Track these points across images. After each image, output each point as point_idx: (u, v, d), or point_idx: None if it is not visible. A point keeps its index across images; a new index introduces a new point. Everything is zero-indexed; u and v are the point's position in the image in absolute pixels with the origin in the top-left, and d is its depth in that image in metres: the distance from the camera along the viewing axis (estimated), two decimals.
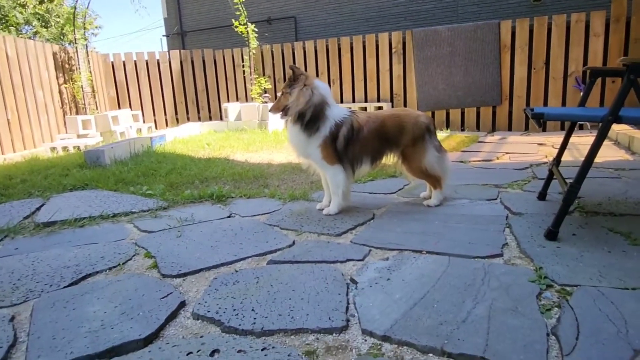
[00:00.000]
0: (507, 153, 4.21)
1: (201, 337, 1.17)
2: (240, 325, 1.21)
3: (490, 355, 1.04)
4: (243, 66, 7.88)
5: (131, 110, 8.35)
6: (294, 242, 1.91)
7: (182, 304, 1.37)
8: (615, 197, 2.37)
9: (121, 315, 1.30)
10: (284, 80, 7.65)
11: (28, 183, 3.47)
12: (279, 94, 2.34)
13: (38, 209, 2.74)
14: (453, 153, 4.38)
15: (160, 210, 2.62)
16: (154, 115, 8.55)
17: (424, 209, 2.36)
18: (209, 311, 1.30)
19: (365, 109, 7.01)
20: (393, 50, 6.85)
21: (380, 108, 6.88)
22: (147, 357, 1.08)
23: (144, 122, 8.27)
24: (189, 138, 6.45)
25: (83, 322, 1.27)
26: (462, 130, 6.60)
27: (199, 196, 2.85)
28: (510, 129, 6.34)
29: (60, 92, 6.73)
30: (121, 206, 2.68)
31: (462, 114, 6.60)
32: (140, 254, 1.88)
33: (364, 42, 7.06)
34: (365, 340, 1.14)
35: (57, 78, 6.71)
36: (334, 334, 1.17)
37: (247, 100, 8.17)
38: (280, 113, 2.31)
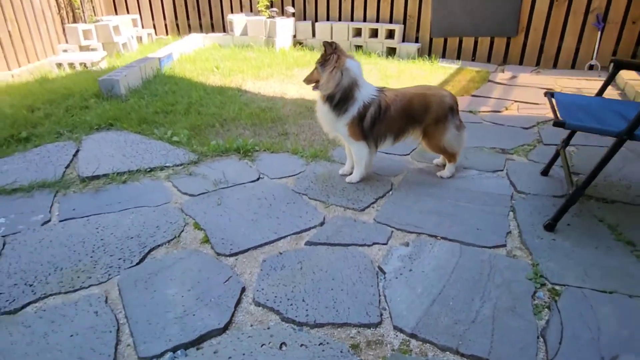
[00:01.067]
0: (515, 101, 4.32)
1: (268, 328, 1.49)
2: (296, 316, 1.53)
3: (494, 358, 1.37)
4: None
5: (128, 13, 7.93)
6: (324, 220, 2.17)
7: (243, 290, 1.67)
8: (610, 177, 2.61)
9: (196, 300, 1.60)
10: None
11: (53, 118, 3.56)
12: (312, 68, 2.41)
13: (75, 155, 2.91)
14: (464, 98, 4.47)
15: (191, 165, 2.81)
16: (153, 19, 8.14)
17: (438, 182, 2.59)
18: (267, 300, 1.61)
19: (376, 31, 6.78)
20: None
21: (392, 31, 6.66)
22: (231, 347, 1.40)
23: (142, 27, 7.91)
24: (195, 55, 6.30)
25: (167, 306, 1.57)
26: (473, 59, 6.51)
27: (225, 149, 3.01)
28: (521, 62, 6.28)
29: None
30: (154, 157, 2.86)
31: (475, 43, 6.45)
32: (190, 224, 2.14)
33: None
34: (397, 336, 1.47)
35: None
36: (372, 329, 1.49)
37: (251, 11, 7.76)
38: (313, 85, 2.39)
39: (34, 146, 3.06)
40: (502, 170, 2.74)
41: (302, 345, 1.41)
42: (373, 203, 2.34)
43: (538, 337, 1.46)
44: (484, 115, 3.91)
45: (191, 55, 6.33)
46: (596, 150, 2.96)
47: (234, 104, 4.09)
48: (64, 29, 6.46)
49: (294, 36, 7.26)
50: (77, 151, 2.98)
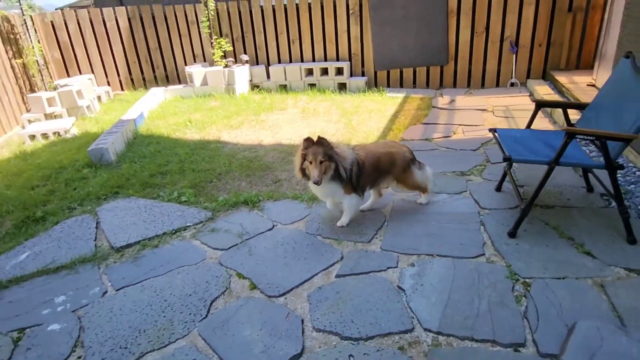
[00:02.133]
0: (459, 125, 5.11)
1: (334, 346, 1.97)
2: (351, 334, 2.02)
3: (497, 338, 1.94)
4: (198, 24, 7.79)
5: (80, 73, 8.07)
6: (342, 255, 2.68)
7: (302, 321, 2.14)
8: (546, 187, 3.34)
9: (270, 336, 2.05)
10: (242, 40, 7.76)
11: (57, 194, 3.80)
12: (310, 163, 2.67)
13: (97, 227, 3.21)
14: (417, 126, 5.20)
15: (209, 222, 3.21)
16: (106, 76, 8.32)
17: (419, 208, 3.19)
18: (324, 325, 2.08)
19: (326, 69, 7.47)
20: (350, 11, 7.20)
21: (340, 68, 7.38)
22: None
23: (97, 85, 8.07)
24: (162, 110, 6.63)
25: (249, 345, 2.00)
26: (414, 86, 7.38)
27: (234, 203, 3.44)
28: (455, 85, 7.22)
29: (12, 67, 6.41)
30: (173, 219, 3.23)
31: (414, 72, 7.33)
32: (233, 275, 2.56)
33: (321, 2, 7.30)
34: (427, 336, 2.00)
35: (7, 52, 6.34)
36: (408, 334, 2.02)
37: (204, 60, 8.20)
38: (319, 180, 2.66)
39: (52, 224, 3.31)
40: (465, 191, 3.40)
41: (364, 354, 1.90)
42: (375, 235, 2.89)
43: (522, 319, 2.06)
44: (437, 141, 4.64)
45: (158, 110, 6.65)
46: (533, 166, 3.72)
47: (220, 156, 4.52)
48: (23, 99, 6.53)
49: (250, 80, 7.77)
50: (98, 223, 3.27)
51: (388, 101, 6.50)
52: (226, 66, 7.41)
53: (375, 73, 7.50)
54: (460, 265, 2.48)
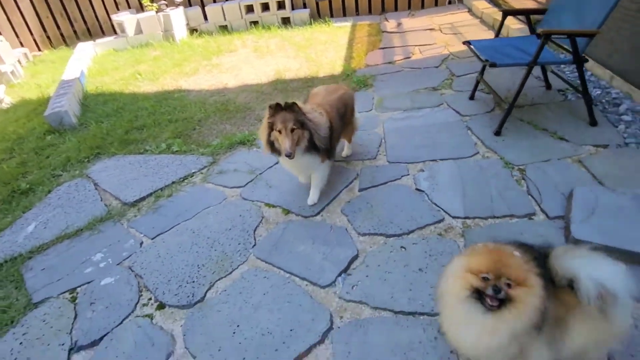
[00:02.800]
0: (415, 46, 5.35)
1: (384, 243, 2.24)
2: (395, 232, 2.30)
3: (514, 212, 2.33)
4: None
5: None
6: (357, 173, 2.90)
7: (346, 230, 2.38)
8: (511, 89, 3.75)
9: (324, 246, 2.27)
10: None
11: (31, 165, 3.57)
12: (279, 133, 2.23)
13: (96, 189, 3.13)
14: (376, 52, 5.36)
15: (213, 165, 3.25)
16: (18, 37, 7.38)
17: (409, 123, 3.46)
18: (368, 230, 2.34)
19: (266, 4, 7.21)
20: None
21: (281, 2, 7.17)
22: (365, 266, 2.13)
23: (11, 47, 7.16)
24: (100, 66, 6.13)
25: (309, 256, 2.21)
26: (357, 14, 7.42)
27: (230, 145, 3.48)
28: (396, 9, 7.37)
29: None
30: (176, 169, 3.22)
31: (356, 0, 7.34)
32: (262, 205, 2.69)
33: None
34: (457, 222, 2.34)
35: None
36: (441, 223, 2.34)
37: (129, 6, 7.53)
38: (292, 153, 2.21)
39: (45, 193, 3.16)
40: (443, 104, 3.71)
41: (413, 244, 2.20)
42: (378, 151, 3.13)
43: (528, 195, 2.46)
44: (400, 63, 4.86)
45: (96, 67, 6.15)
46: (498, 73, 4.10)
47: (191, 104, 4.41)
48: None
49: (187, 24, 7.32)
50: (96, 185, 3.18)
51: (337, 31, 6.53)
52: (159, 10, 6.88)
53: (317, 4, 7.40)
54: (462, 164, 2.82)
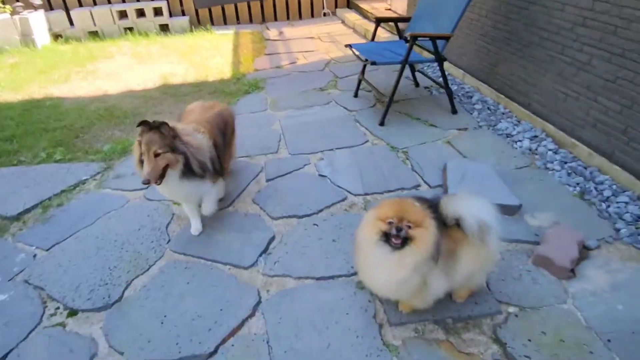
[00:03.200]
0: (299, 52, 5.69)
1: (297, 224, 2.42)
2: (306, 212, 2.49)
3: (403, 185, 2.70)
4: None
5: None
6: (262, 166, 3.04)
7: (259, 216, 2.50)
8: (387, 87, 4.27)
9: (242, 233, 2.35)
10: None
11: None
12: (143, 158, 1.94)
13: None
14: (262, 58, 5.56)
15: (108, 170, 3.08)
16: None
17: (307, 120, 3.72)
18: (280, 214, 2.50)
19: (142, 10, 6.93)
20: None
21: (158, 8, 6.96)
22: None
23: None
24: None
25: (229, 243, 2.28)
26: (238, 23, 7.55)
27: (123, 150, 3.33)
28: (276, 19, 7.69)
29: None
30: (62, 178, 2.98)
31: (236, 8, 7.47)
32: (171, 204, 2.66)
33: None
34: (359, 198, 2.63)
35: None
36: (345, 201, 2.60)
37: None
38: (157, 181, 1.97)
39: None
40: (331, 102, 4.06)
41: (324, 220, 2.41)
42: (279, 146, 3.31)
43: (413, 172, 2.87)
44: (287, 68, 5.14)
45: None
46: (374, 73, 4.60)
47: (68, 112, 4.09)
48: None
49: (49, 29, 6.65)
50: None
51: (220, 38, 6.58)
52: (14, 13, 6.13)
53: (197, 11, 7.34)
54: (356, 151, 3.15)
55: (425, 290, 1.65)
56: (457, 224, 1.62)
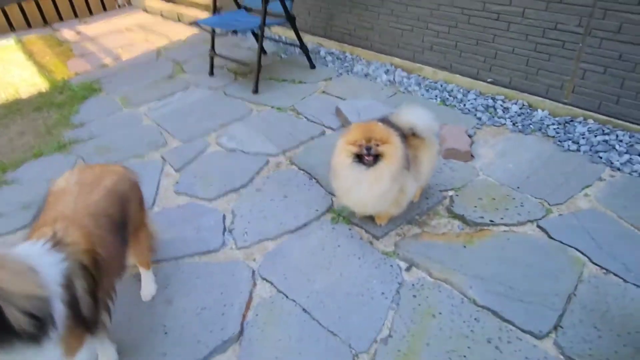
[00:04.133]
0: (117, 48, 5.13)
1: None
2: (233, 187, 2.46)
3: (311, 135, 2.89)
4: None
5: None
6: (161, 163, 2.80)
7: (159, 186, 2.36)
8: (243, 58, 4.29)
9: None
10: None
11: None
12: None
13: None
14: (75, 61, 4.84)
15: None
16: None
17: (179, 108, 3.49)
18: (183, 188, 2.41)
19: None
20: None
21: None
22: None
23: None
24: None
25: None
26: (13, 30, 6.27)
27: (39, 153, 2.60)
28: (61, 19, 6.63)
29: None
30: None
31: (4, 13, 6.15)
32: None
33: None
34: (279, 157, 2.71)
35: None
36: (269, 163, 2.65)
37: None
38: None
39: None
40: (190, 86, 3.88)
41: (264, 184, 2.43)
42: (164, 139, 3.07)
43: (310, 122, 3.07)
44: (115, 65, 4.61)
45: None
46: (222, 47, 4.51)
47: None
48: None
49: None
50: None
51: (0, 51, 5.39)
52: None
53: None
54: (248, 120, 3.17)
55: (402, 196, 1.90)
56: (413, 133, 1.90)
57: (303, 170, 2.55)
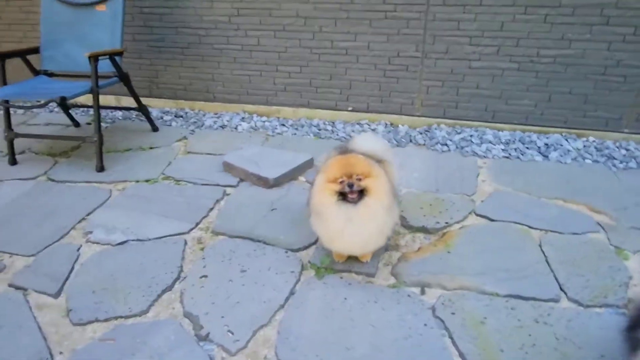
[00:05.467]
0: None
1: None
2: None
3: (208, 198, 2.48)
4: None
5: None
6: None
7: None
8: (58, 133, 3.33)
9: None
10: None
11: None
12: None
13: None
14: None
15: None
16: None
17: None
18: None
19: None
20: None
21: None
22: None
23: None
24: None
25: None
26: None
27: None
28: None
29: None
30: None
31: None
32: None
33: None
34: (196, 232, 2.21)
35: None
36: (192, 231, 2.14)
37: None
38: None
39: None
40: None
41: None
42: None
43: (199, 186, 2.64)
44: None
45: None
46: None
47: None
48: None
49: None
50: None
51: None
52: None
53: None
54: (111, 201, 2.48)
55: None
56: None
57: (238, 237, 2.15)
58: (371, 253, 1.92)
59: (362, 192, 1.64)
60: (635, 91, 2.83)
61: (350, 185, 1.61)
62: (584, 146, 2.95)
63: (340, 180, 1.62)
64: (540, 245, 2.04)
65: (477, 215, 2.28)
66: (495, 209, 2.32)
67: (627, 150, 2.89)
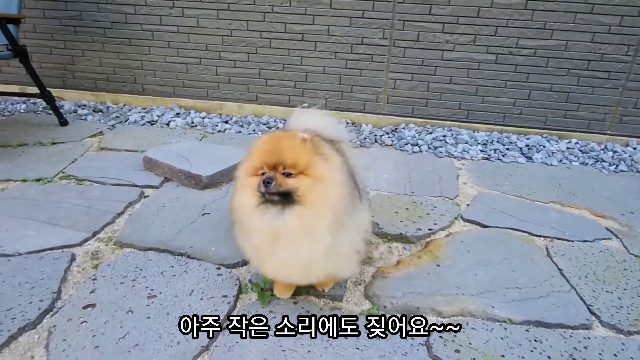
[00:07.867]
0: None
1: None
2: None
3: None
4: None
5: None
6: None
7: None
8: None
9: None
10: None
11: None
12: None
13: None
14: None
15: None
16: None
17: None
18: None
19: None
20: None
21: None
22: None
23: None
24: None
25: None
26: None
27: None
28: None
29: None
30: None
31: None
32: None
33: None
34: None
35: None
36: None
37: None
38: None
39: None
40: None
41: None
42: None
43: (132, 187, 2.01)
44: None
45: None
46: None
47: None
48: None
49: None
50: None
51: None
52: None
53: None
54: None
55: (360, 240, 1.20)
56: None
57: (152, 249, 1.54)
58: (334, 281, 1.37)
59: (288, 195, 1.04)
60: (620, 88, 2.56)
61: (268, 182, 1.02)
62: (568, 148, 2.63)
63: (262, 171, 1.06)
64: (549, 256, 1.60)
65: (466, 220, 1.83)
66: (485, 213, 1.88)
67: (615, 152, 2.60)
